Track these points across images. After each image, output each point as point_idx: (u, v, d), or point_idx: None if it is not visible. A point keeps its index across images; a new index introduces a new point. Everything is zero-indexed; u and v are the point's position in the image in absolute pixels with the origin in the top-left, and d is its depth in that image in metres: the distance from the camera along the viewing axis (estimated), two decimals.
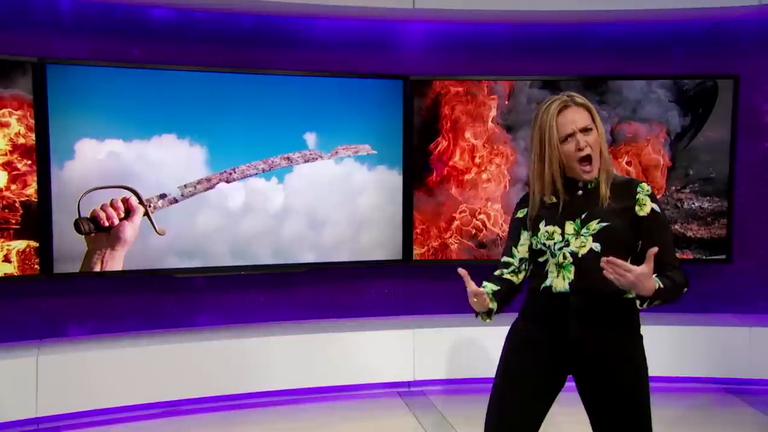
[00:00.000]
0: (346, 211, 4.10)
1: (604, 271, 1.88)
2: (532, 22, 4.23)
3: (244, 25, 4.04)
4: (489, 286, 2.14)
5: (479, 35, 4.29)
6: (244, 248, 3.93)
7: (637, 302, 1.98)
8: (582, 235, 2.04)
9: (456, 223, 4.20)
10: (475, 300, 2.04)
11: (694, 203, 4.21)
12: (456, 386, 4.10)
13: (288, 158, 3.97)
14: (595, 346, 2.02)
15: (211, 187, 3.84)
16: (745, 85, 4.21)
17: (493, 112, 4.15)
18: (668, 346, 4.06)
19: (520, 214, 2.20)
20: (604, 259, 1.88)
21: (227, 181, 3.86)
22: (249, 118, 3.88)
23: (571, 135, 2.05)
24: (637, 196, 2.06)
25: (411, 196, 4.17)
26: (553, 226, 2.08)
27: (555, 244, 2.06)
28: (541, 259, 2.11)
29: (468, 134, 4.16)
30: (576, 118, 2.06)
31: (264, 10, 3.92)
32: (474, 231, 4.20)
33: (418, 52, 4.28)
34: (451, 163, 4.16)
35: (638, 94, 4.15)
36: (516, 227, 2.21)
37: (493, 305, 2.10)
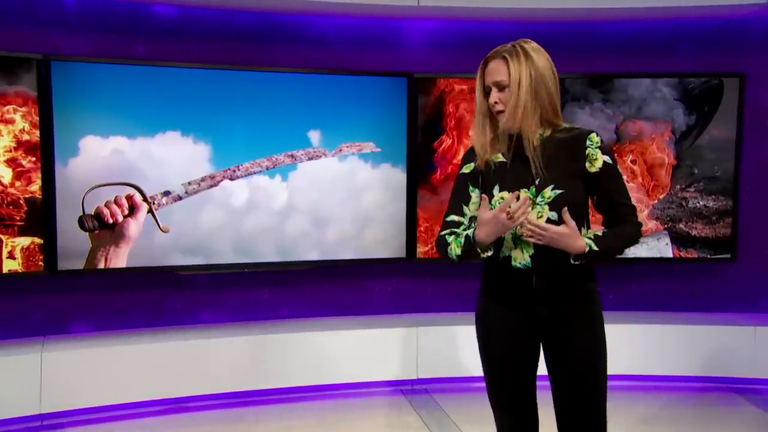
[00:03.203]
0: (349, 209, 4.09)
1: (523, 230, 1.89)
2: (537, 20, 4.21)
3: (248, 22, 4.04)
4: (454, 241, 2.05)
5: (484, 33, 4.27)
6: (247, 246, 3.94)
7: (572, 260, 1.95)
8: (538, 204, 1.97)
9: None
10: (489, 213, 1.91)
11: (698, 202, 4.20)
12: (459, 384, 4.09)
13: (292, 156, 3.96)
14: (559, 320, 2.00)
15: (215, 185, 3.84)
16: (751, 83, 4.20)
17: None
18: (673, 345, 4.04)
19: (466, 170, 2.09)
20: (527, 224, 1.87)
21: (231, 179, 3.86)
22: (253, 116, 3.88)
23: (491, 88, 2.00)
24: (587, 152, 1.99)
25: (415, 194, 4.16)
26: (509, 194, 1.95)
27: None
28: None
29: (472, 132, 4.14)
30: (493, 71, 2.01)
31: (268, 7, 3.92)
32: None
33: (423, 49, 4.27)
34: (455, 161, 4.15)
35: (643, 92, 4.13)
36: (464, 183, 2.09)
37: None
